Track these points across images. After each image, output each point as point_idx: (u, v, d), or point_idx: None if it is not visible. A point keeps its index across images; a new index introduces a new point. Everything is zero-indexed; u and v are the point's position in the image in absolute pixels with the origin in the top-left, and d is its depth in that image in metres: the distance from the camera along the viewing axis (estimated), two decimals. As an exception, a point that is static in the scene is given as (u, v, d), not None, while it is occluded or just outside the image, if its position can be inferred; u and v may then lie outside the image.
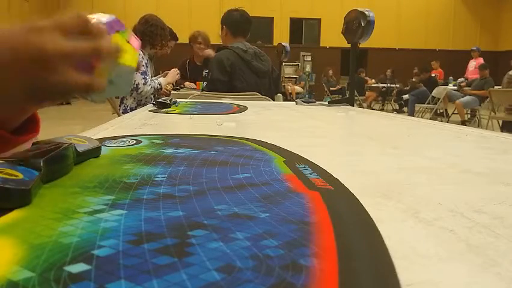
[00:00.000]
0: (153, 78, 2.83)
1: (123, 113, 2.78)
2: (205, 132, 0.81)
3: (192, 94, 2.46)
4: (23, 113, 0.54)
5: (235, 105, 1.60)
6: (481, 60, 9.32)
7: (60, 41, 0.39)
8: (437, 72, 10.30)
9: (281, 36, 13.53)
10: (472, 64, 9.56)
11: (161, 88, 2.84)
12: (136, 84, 2.72)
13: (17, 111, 0.48)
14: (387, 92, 10.62)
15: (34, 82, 0.39)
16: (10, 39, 0.38)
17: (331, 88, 10.86)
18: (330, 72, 11.32)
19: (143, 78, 2.73)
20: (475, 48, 9.92)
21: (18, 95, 0.41)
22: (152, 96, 2.85)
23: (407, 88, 9.51)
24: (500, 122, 6.01)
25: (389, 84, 10.49)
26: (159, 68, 3.21)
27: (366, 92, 10.70)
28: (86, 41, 0.40)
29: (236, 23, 2.56)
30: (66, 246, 0.26)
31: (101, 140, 0.64)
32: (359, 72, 10.76)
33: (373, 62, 13.48)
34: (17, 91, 0.40)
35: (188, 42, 3.79)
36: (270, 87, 2.56)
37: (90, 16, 0.44)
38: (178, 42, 3.53)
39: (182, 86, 3.68)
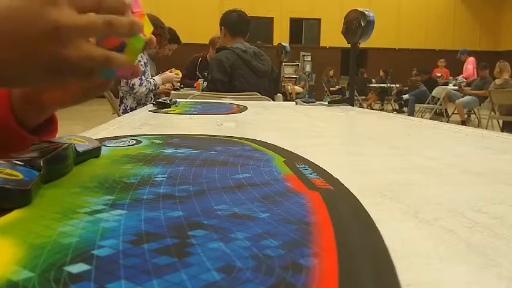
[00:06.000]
0: (149, 78, 2.83)
1: (123, 113, 2.78)
2: (205, 132, 0.81)
3: (191, 94, 2.46)
4: (43, 111, 0.54)
5: (235, 105, 1.59)
6: (473, 60, 9.25)
7: (74, 16, 0.38)
8: (442, 72, 10.24)
9: (281, 36, 13.52)
10: (469, 67, 9.42)
11: (155, 88, 2.84)
12: (132, 84, 2.72)
13: (36, 90, 0.48)
14: (386, 93, 10.59)
15: (49, 56, 0.38)
16: (25, 12, 0.38)
17: (331, 88, 10.85)
18: (331, 72, 11.32)
19: (139, 79, 2.73)
20: (458, 55, 9.69)
21: (36, 70, 0.40)
22: (152, 96, 2.85)
23: (407, 88, 9.51)
24: (501, 122, 6.01)
25: (388, 84, 10.47)
26: (159, 69, 3.21)
27: (369, 94, 10.64)
28: (101, 16, 0.39)
29: (234, 23, 2.56)
30: (66, 246, 0.26)
31: (101, 140, 0.64)
32: (361, 73, 10.75)
33: (373, 62, 13.48)
34: (34, 66, 0.39)
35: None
36: (269, 87, 2.56)
37: None
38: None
39: (181, 86, 3.69)
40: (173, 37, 3.38)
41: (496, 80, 6.32)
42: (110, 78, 0.45)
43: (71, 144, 0.47)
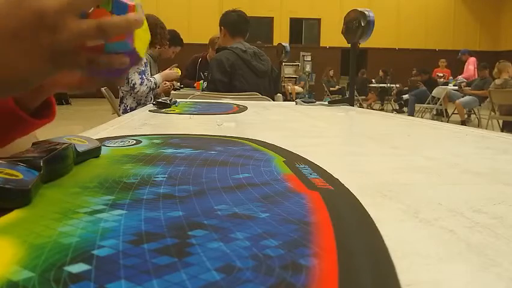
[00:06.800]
0: (149, 77, 2.83)
1: (123, 113, 2.77)
2: (205, 132, 0.81)
3: (192, 94, 2.46)
4: (41, 92, 0.53)
5: (235, 105, 1.59)
6: (474, 60, 9.23)
7: None
8: (444, 72, 10.22)
9: (281, 36, 13.51)
10: (470, 67, 9.38)
11: (156, 87, 2.84)
12: (133, 84, 2.72)
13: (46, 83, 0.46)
14: (386, 93, 10.59)
15: (47, 46, 0.38)
16: (7, 7, 0.37)
17: (331, 88, 10.85)
18: (331, 72, 11.32)
19: (140, 78, 2.72)
20: (459, 55, 9.64)
21: (39, 63, 0.39)
22: (152, 96, 2.85)
23: (407, 88, 9.50)
24: (501, 122, 6.01)
25: (388, 84, 10.47)
26: (161, 69, 3.21)
27: (369, 94, 10.63)
28: None
29: (234, 23, 2.56)
30: (66, 246, 0.26)
31: (101, 140, 0.64)
32: (361, 73, 10.75)
33: (373, 62, 13.47)
34: (36, 59, 0.38)
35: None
36: (269, 87, 2.56)
37: None
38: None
39: (181, 86, 3.69)
40: (177, 39, 3.38)
41: (496, 80, 6.31)
42: (114, 52, 0.43)
43: (71, 144, 0.47)
